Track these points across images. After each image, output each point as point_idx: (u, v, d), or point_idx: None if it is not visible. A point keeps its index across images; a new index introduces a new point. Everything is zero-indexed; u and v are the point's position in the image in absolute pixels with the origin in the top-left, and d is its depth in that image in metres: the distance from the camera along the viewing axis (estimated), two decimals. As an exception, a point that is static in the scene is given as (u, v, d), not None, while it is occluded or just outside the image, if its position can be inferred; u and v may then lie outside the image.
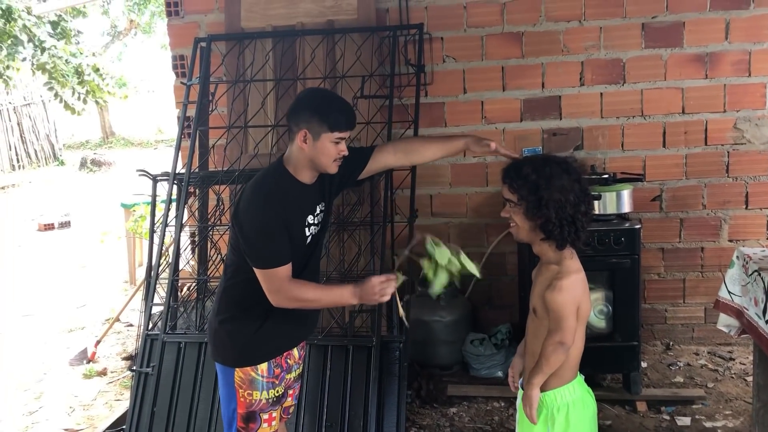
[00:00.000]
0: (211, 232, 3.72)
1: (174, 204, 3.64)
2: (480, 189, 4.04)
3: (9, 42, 7.73)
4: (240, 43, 3.88)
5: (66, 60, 8.21)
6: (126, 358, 4.42)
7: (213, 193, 3.73)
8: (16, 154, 15.08)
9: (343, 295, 2.19)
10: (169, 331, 3.32)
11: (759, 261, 2.75)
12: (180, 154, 3.76)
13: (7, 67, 8.70)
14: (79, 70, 8.52)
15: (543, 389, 2.02)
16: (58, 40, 8.50)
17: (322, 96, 2.32)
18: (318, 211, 2.28)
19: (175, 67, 4.25)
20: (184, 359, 3.23)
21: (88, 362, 4.43)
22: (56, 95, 8.35)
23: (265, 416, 2.31)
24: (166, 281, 3.48)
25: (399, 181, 3.47)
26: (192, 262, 3.82)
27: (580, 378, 2.11)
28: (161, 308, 3.47)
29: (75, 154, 16.57)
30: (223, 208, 3.71)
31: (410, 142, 2.62)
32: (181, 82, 4.05)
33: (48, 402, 3.95)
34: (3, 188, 12.86)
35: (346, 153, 2.22)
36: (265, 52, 3.86)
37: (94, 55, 13.83)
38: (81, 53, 9.13)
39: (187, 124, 3.89)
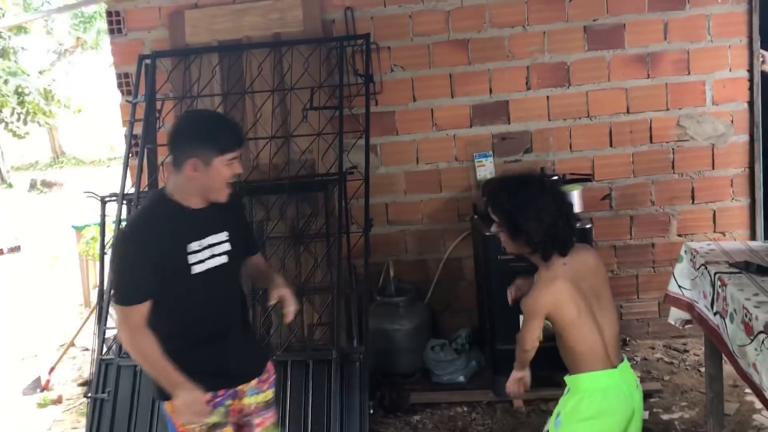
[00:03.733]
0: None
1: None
2: (434, 195, 4.06)
3: None
4: (185, 59, 3.84)
5: (5, 80, 8.00)
6: (82, 384, 4.31)
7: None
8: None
9: (171, 383, 2.04)
10: (124, 355, 3.25)
11: (705, 255, 2.83)
12: (129, 173, 3.70)
13: None
14: (19, 90, 8.30)
15: (569, 373, 2.22)
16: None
17: (204, 120, 2.22)
18: (216, 240, 2.15)
19: (120, 85, 4.17)
20: (140, 383, 3.16)
21: (42, 390, 4.30)
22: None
23: None
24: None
25: (353, 191, 3.47)
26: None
27: (609, 372, 2.14)
28: (116, 332, 3.39)
29: (24, 176, 16.14)
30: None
31: (258, 265, 2.43)
32: (127, 101, 3.99)
33: (1, 434, 3.83)
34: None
35: (240, 171, 2.14)
36: (211, 67, 3.82)
37: (41, 73, 13.52)
38: (22, 72, 8.91)
39: (135, 142, 3.82)
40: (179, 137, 2.10)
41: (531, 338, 2.20)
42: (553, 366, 3.43)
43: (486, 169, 3.95)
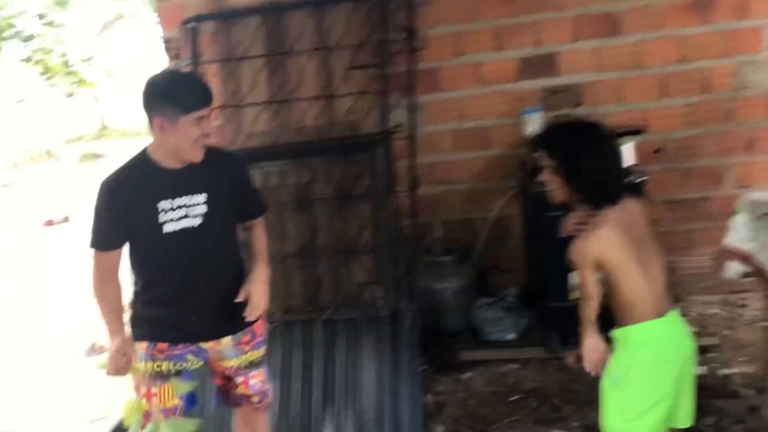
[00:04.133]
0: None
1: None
2: (482, 153, 4.00)
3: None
4: (228, 22, 3.82)
5: (47, 51, 8.22)
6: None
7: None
8: (12, 150, 15.05)
9: (109, 329, 2.16)
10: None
11: (763, 206, 2.74)
12: (176, 138, 3.73)
13: None
14: (65, 60, 8.52)
15: (618, 326, 2.19)
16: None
17: (169, 79, 2.23)
18: (191, 202, 2.20)
19: (166, 49, 4.19)
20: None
21: (100, 353, 4.44)
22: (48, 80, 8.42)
23: (144, 389, 2.26)
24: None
25: (398, 151, 3.44)
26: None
27: (660, 321, 2.13)
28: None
29: (71, 149, 16.51)
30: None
31: (254, 241, 2.52)
32: (173, 65, 4.00)
33: (66, 397, 3.97)
34: (3, 186, 12.85)
35: (210, 131, 2.16)
36: (254, 29, 3.80)
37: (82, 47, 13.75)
38: (65, 43, 9.11)
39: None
40: (146, 97, 2.13)
41: (587, 287, 2.15)
42: (606, 323, 3.44)
43: (534, 124, 3.86)
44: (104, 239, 2.18)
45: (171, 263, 2.23)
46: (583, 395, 3.14)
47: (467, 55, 3.87)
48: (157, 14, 4.15)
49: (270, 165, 3.60)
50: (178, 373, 2.30)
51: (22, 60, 8.46)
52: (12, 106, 15.25)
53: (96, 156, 14.90)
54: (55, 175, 13.69)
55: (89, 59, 13.81)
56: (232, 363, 2.40)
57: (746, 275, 3.32)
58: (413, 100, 3.50)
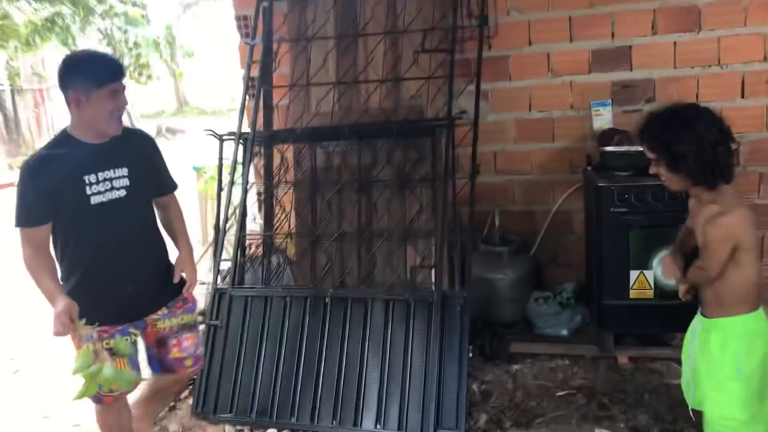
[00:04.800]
0: (275, 191, 3.79)
1: (240, 164, 3.72)
2: (546, 145, 3.94)
3: (83, 12, 8.05)
4: (301, 2, 3.88)
5: (125, 30, 8.51)
6: (199, 314, 4.57)
7: (277, 152, 3.78)
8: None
9: (49, 296, 2.26)
10: (237, 286, 3.43)
11: None
12: (245, 113, 3.82)
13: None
14: (136, 41, 8.85)
15: (720, 315, 2.15)
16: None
17: (82, 56, 2.41)
18: (114, 175, 2.35)
19: (239, 27, 4.30)
20: (251, 312, 3.33)
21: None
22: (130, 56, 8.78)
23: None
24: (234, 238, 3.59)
25: (461, 138, 3.42)
26: (258, 220, 3.90)
27: (759, 313, 2.15)
28: (230, 264, 3.57)
29: (151, 124, 17.11)
30: (287, 167, 3.76)
31: (172, 217, 2.70)
32: (245, 43, 4.10)
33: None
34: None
35: (124, 104, 2.33)
36: (326, 10, 3.84)
37: (168, 28, 14.21)
38: (142, 21, 9.43)
39: (252, 84, 3.94)
40: (62, 74, 2.29)
41: (719, 266, 2.08)
42: (662, 325, 3.36)
43: (603, 118, 3.78)
44: (32, 216, 2.29)
45: (100, 234, 2.35)
46: (632, 396, 3.08)
47: (538, 44, 3.82)
48: (232, -7, 4.26)
49: (333, 145, 3.66)
50: (125, 347, 2.43)
51: (104, 37, 8.83)
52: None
53: (173, 131, 15.41)
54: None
55: (172, 38, 14.27)
56: (165, 324, 2.56)
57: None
58: (479, 87, 3.47)
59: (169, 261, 2.66)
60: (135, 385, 2.55)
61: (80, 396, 2.28)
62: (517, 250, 3.87)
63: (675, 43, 3.64)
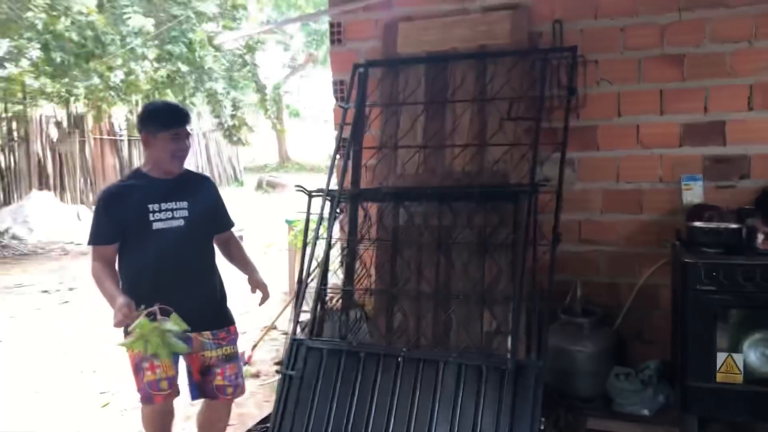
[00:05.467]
0: (358, 247, 3.90)
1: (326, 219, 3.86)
2: (633, 216, 3.87)
3: (195, 74, 8.67)
4: (394, 69, 4.06)
5: (228, 92, 9.12)
6: (277, 363, 4.70)
7: (362, 210, 3.91)
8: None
9: (110, 296, 2.62)
10: (314, 338, 3.51)
11: None
12: (335, 171, 3.99)
13: (192, 95, 9.79)
14: (235, 103, 9.44)
15: None
16: (238, 70, 9.41)
17: (153, 105, 2.99)
18: (175, 206, 2.79)
19: (335, 91, 4.53)
20: (325, 365, 3.39)
21: (245, 364, 4.77)
22: (219, 123, 9.46)
23: (147, 364, 2.76)
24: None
25: (544, 205, 3.42)
26: (339, 274, 4.01)
27: None
28: (309, 316, 3.67)
29: (253, 177, 17.93)
30: (371, 224, 3.87)
31: (233, 250, 3.30)
32: (339, 105, 4.30)
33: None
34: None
35: (185, 147, 2.79)
36: (418, 77, 4.00)
37: (276, 88, 15.02)
38: (245, 85, 10.04)
39: (343, 144, 4.11)
40: (139, 118, 2.81)
41: None
42: (752, 414, 3.16)
43: (694, 193, 3.69)
44: (103, 236, 2.71)
45: (159, 255, 2.73)
46: (715, 487, 2.89)
47: (628, 116, 3.80)
48: (330, 58, 4.50)
49: (416, 205, 3.74)
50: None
51: (208, 96, 9.49)
52: (208, 134, 16.87)
53: (273, 185, 16.06)
54: (236, 199, 14.93)
55: (279, 98, 15.04)
56: (212, 354, 2.91)
57: None
58: (564, 155, 3.48)
59: (220, 293, 3.11)
60: (178, 356, 2.85)
61: (127, 345, 2.54)
62: (599, 323, 3.77)
63: (773, 119, 3.54)
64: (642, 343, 3.88)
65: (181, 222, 2.80)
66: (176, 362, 2.87)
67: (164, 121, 2.74)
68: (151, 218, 2.73)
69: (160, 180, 2.79)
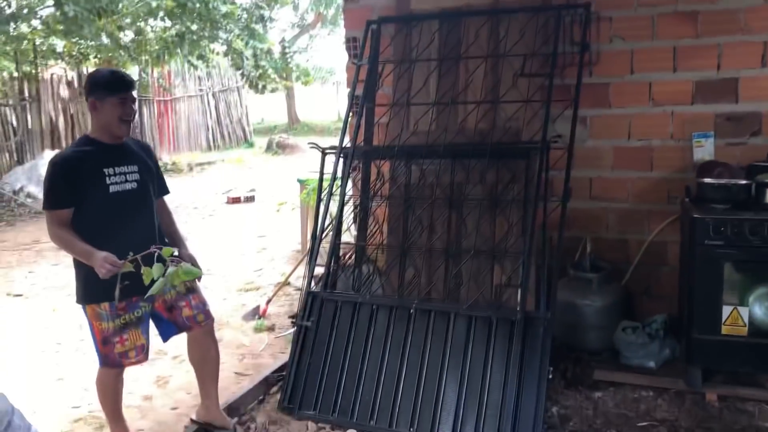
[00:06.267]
0: (371, 203, 3.96)
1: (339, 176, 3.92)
2: (644, 174, 3.90)
3: (209, 27, 8.61)
4: (408, 25, 4.06)
5: (246, 42, 9.08)
6: (292, 317, 4.82)
7: (375, 167, 3.96)
8: (212, 136, 16.67)
9: (86, 253, 2.68)
10: (329, 290, 3.61)
11: None
12: (348, 128, 4.03)
13: (205, 51, 9.74)
14: (256, 53, 9.39)
15: None
16: (254, 23, 9.36)
17: (99, 72, 2.95)
18: (127, 169, 2.86)
19: (348, 48, 4.53)
20: (340, 316, 3.49)
21: (260, 318, 4.89)
22: (241, 74, 9.43)
23: (116, 339, 2.85)
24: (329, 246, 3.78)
25: (555, 161, 3.45)
26: (353, 231, 4.08)
27: None
28: (323, 270, 3.76)
29: (263, 138, 17.92)
30: (383, 181, 3.92)
31: (165, 217, 3.15)
32: (352, 62, 4.33)
33: (223, 349, 4.42)
34: (200, 165, 14.28)
35: (132, 112, 2.84)
36: (431, 33, 4.00)
37: (284, 49, 14.94)
38: (261, 38, 9.99)
39: (356, 102, 4.14)
40: (86, 86, 2.85)
41: None
42: (756, 365, 3.25)
43: (705, 150, 3.71)
44: (59, 200, 2.75)
45: (116, 218, 2.81)
46: (718, 435, 2.99)
47: (640, 73, 3.81)
48: (343, 15, 4.50)
49: (428, 163, 3.79)
50: (138, 319, 2.89)
51: (225, 52, 9.43)
52: (218, 94, 16.83)
53: (283, 146, 16.08)
54: (246, 160, 14.97)
55: (289, 57, 14.96)
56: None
57: None
58: (576, 113, 3.50)
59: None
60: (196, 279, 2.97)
61: (157, 290, 2.60)
62: (608, 278, 3.83)
63: (787, 75, 3.54)
64: (649, 298, 3.95)
65: (135, 185, 2.89)
66: (146, 330, 2.96)
67: (111, 87, 2.79)
68: (108, 182, 2.80)
69: (109, 145, 2.85)
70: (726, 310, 3.21)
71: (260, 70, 10.27)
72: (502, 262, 3.55)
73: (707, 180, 3.37)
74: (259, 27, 10.02)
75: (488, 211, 3.62)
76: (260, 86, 10.24)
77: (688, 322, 3.32)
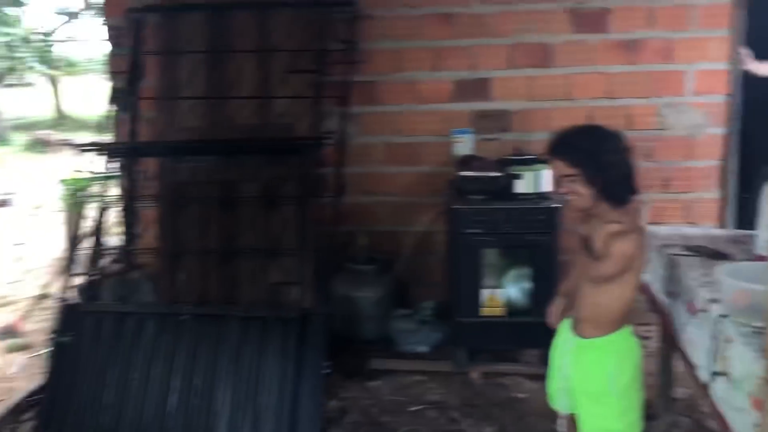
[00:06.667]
0: (138, 205, 3.70)
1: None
2: (413, 168, 4.08)
3: None
4: (173, 15, 3.85)
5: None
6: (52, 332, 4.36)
7: (141, 165, 3.70)
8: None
9: None
10: (90, 302, 3.30)
11: (664, 238, 2.86)
12: (112, 125, 3.72)
13: None
14: (11, 42, 8.47)
15: (596, 335, 2.22)
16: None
17: None
18: None
19: (110, 38, 4.19)
20: (102, 330, 3.20)
21: (13, 336, 4.36)
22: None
23: None
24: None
25: (328, 158, 3.49)
26: (119, 235, 3.79)
27: (628, 329, 2.27)
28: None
29: (24, 135, 16.16)
30: (151, 181, 3.68)
31: None
32: (113, 53, 4.01)
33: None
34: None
35: None
36: (197, 25, 3.83)
37: (46, 35, 13.58)
38: (15, 23, 9.03)
39: (118, 95, 3.84)
40: None
41: (607, 277, 2.12)
42: (512, 342, 3.55)
43: (464, 145, 3.96)
44: None
45: None
46: (482, 410, 3.21)
47: (405, 72, 3.97)
48: (105, 2, 4.16)
49: (199, 160, 3.63)
50: None
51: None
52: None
53: (47, 143, 14.63)
54: (1, 159, 13.38)
55: (51, 47, 13.63)
56: None
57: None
58: (347, 110, 3.56)
59: None
60: None
61: None
62: (382, 270, 3.96)
63: (530, 77, 3.90)
64: (421, 286, 4.15)
65: None
66: None
67: None
68: None
69: None
70: (484, 293, 3.47)
71: (14, 61, 9.21)
72: (280, 261, 3.51)
73: (465, 173, 3.61)
74: (9, 11, 8.97)
75: (264, 209, 3.56)
76: (20, 79, 9.20)
77: (454, 306, 3.54)
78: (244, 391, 3.00)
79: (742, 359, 1.75)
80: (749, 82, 3.76)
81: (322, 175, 3.49)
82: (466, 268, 3.46)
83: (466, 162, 3.75)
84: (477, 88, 3.94)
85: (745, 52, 3.68)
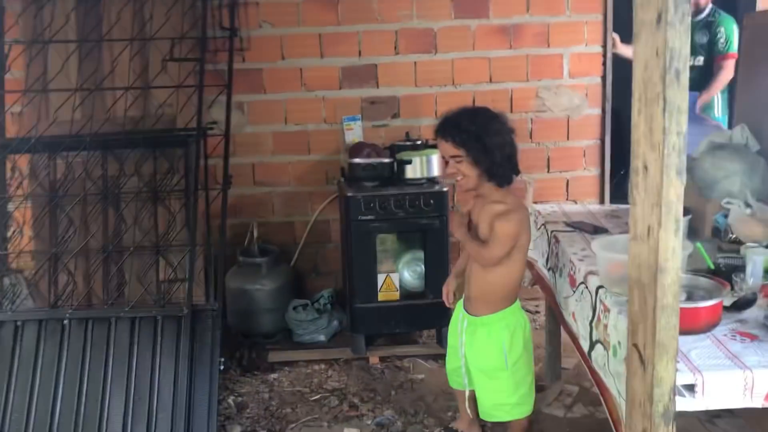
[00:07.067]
0: (7, 205, 3.45)
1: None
2: (303, 157, 4.04)
3: None
4: (38, 1, 3.59)
5: None
6: None
7: (9, 162, 3.45)
8: None
9: None
10: (-43, 312, 3.06)
11: (546, 216, 2.98)
12: (-28, 120, 3.44)
13: None
14: None
15: (486, 313, 2.36)
16: None
17: None
18: None
19: (-35, 27, 3.86)
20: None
21: None
22: None
23: None
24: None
25: (213, 148, 3.38)
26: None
27: (517, 305, 2.42)
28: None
29: None
30: (22, 179, 3.45)
31: None
32: (-27, 43, 3.70)
33: None
34: None
35: None
36: (66, 11, 3.60)
37: None
38: None
39: (-20, 88, 3.56)
40: None
41: (499, 258, 2.26)
42: (407, 325, 3.61)
43: (354, 132, 3.97)
44: None
45: None
46: (381, 394, 3.24)
47: (291, 59, 3.91)
48: (-43, -14, 3.82)
49: (75, 155, 3.42)
50: None
51: None
52: None
53: None
54: None
55: None
56: None
57: (532, 282, 3.62)
58: (230, 98, 3.46)
59: None
60: None
61: None
62: (276, 261, 3.90)
63: (415, 63, 3.94)
64: (317, 276, 4.14)
65: None
66: None
67: None
68: None
69: None
70: (380, 279, 3.50)
71: None
72: (167, 257, 3.38)
73: (356, 160, 3.61)
74: None
75: (148, 204, 3.41)
76: None
77: (350, 293, 3.55)
78: (137, 393, 2.88)
79: (617, 327, 1.85)
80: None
81: (208, 166, 3.38)
82: (361, 255, 3.47)
83: (358, 149, 3.74)
84: (365, 75, 3.94)
85: (614, 36, 3.90)
